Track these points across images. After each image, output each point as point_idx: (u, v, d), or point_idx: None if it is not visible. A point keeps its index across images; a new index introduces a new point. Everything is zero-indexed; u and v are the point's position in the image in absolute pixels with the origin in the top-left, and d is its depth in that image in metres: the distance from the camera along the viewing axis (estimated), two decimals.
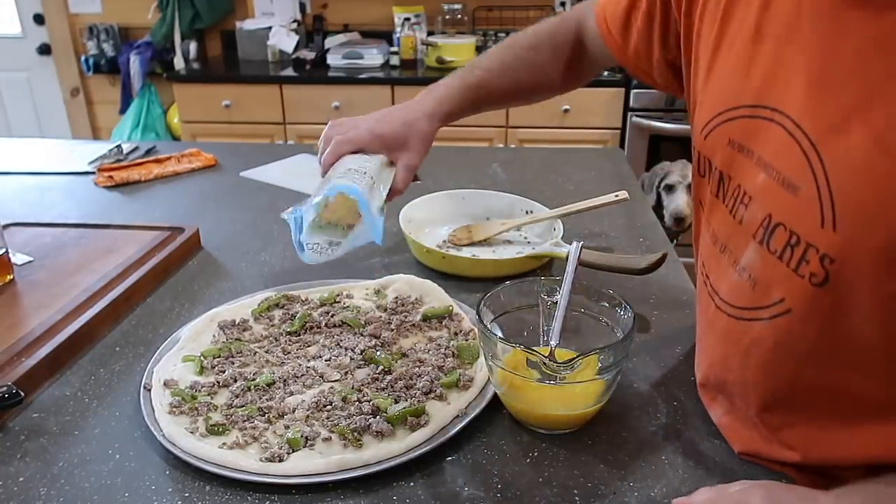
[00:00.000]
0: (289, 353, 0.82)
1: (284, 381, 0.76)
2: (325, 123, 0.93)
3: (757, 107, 0.59)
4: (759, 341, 0.61)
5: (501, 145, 2.97)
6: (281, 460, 0.65)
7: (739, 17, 0.63)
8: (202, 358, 0.80)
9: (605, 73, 2.83)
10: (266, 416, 0.71)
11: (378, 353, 0.80)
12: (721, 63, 0.65)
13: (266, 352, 0.82)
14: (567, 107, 2.89)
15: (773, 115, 0.57)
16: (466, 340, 0.83)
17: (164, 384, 0.76)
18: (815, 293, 0.54)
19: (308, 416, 0.71)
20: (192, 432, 0.69)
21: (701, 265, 0.72)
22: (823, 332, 0.55)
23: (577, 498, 0.63)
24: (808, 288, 0.54)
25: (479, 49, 3.15)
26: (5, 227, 1.09)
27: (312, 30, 3.34)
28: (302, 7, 3.39)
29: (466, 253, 1.09)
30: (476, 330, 0.80)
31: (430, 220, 1.17)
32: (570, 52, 0.96)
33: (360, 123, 0.90)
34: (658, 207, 2.40)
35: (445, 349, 0.81)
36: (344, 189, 0.76)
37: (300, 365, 0.79)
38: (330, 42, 3.24)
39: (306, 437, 0.67)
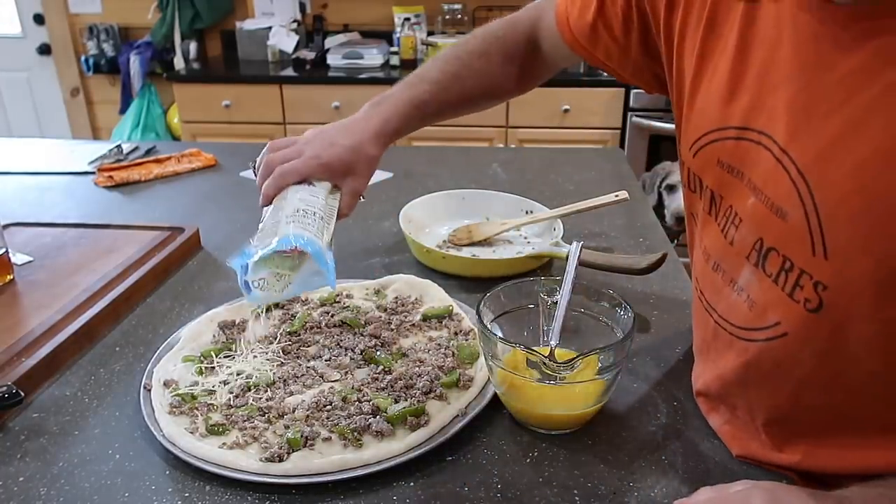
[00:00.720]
0: (289, 353, 0.82)
1: (284, 381, 0.76)
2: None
3: (744, 129, 0.59)
4: (757, 361, 0.61)
5: (501, 145, 2.97)
6: (281, 460, 0.65)
7: (724, 36, 0.62)
8: (202, 358, 0.80)
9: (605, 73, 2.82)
10: (266, 416, 0.71)
11: (378, 353, 0.80)
12: (707, 82, 0.64)
13: (266, 352, 0.82)
14: (567, 107, 2.89)
15: (760, 138, 0.57)
16: (466, 340, 0.83)
17: (164, 384, 0.76)
18: (810, 318, 0.54)
19: (308, 416, 0.70)
20: (191, 432, 0.69)
21: (695, 280, 0.72)
22: (820, 356, 0.55)
23: (577, 498, 0.63)
24: (803, 313, 0.54)
25: None
26: (5, 227, 1.09)
27: (312, 30, 3.33)
28: (302, 7, 3.38)
29: (466, 253, 1.09)
30: (476, 330, 0.80)
31: (430, 220, 1.17)
32: (523, 54, 0.93)
33: (303, 149, 0.82)
34: (659, 207, 2.40)
35: (445, 349, 0.81)
36: (297, 243, 0.70)
37: (300, 365, 0.79)
38: (330, 42, 3.24)
39: (306, 437, 0.67)
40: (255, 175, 0.85)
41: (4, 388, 0.72)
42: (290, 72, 3.11)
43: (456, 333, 0.85)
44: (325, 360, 0.80)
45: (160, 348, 0.83)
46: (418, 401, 0.71)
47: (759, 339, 0.60)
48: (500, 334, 0.73)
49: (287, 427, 0.69)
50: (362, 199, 0.88)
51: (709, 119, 0.63)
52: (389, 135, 0.87)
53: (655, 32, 0.72)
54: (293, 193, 0.79)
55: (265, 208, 0.80)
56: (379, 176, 1.40)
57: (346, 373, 0.78)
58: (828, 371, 0.55)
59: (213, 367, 0.79)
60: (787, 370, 0.58)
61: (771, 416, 0.63)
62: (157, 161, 1.53)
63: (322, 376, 0.77)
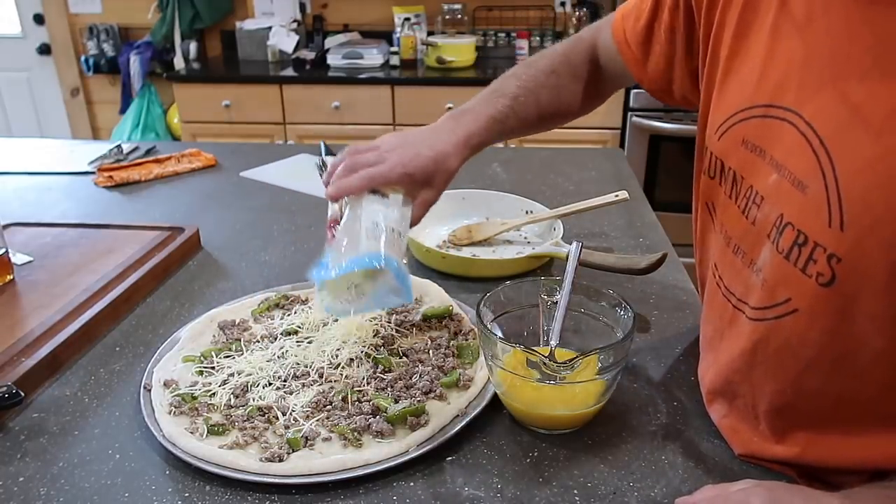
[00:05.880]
0: (289, 353, 0.82)
1: (284, 381, 0.76)
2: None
3: (770, 106, 0.59)
4: (765, 342, 0.61)
5: (501, 145, 2.97)
6: (281, 460, 0.65)
7: (759, 19, 0.62)
8: (202, 358, 0.80)
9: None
10: (266, 416, 0.71)
11: (378, 352, 0.80)
12: (738, 65, 0.65)
13: (266, 352, 0.82)
14: None
15: (785, 114, 0.57)
16: (466, 340, 0.83)
17: (164, 384, 0.76)
18: (822, 293, 0.54)
19: (308, 416, 0.71)
20: (192, 432, 0.69)
21: (713, 267, 0.71)
22: (828, 335, 0.55)
23: (577, 498, 0.63)
24: (815, 288, 0.54)
25: (479, 49, 3.15)
26: (5, 227, 1.09)
27: (312, 30, 3.33)
28: (302, 7, 3.38)
29: (466, 253, 1.09)
30: (476, 330, 0.80)
31: (430, 220, 1.16)
32: (587, 73, 0.94)
33: (387, 156, 0.81)
34: None
35: (445, 349, 0.81)
36: (378, 263, 0.71)
37: (300, 365, 0.79)
38: (330, 42, 3.24)
39: (306, 437, 0.67)
40: (321, 172, 0.85)
41: (4, 388, 0.72)
42: (290, 72, 3.11)
43: (456, 333, 0.85)
44: (325, 360, 0.80)
45: (160, 348, 0.83)
46: (418, 401, 0.71)
47: (769, 318, 0.60)
48: (500, 334, 0.73)
49: (287, 427, 0.69)
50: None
51: (738, 99, 0.64)
52: (472, 149, 0.88)
53: (697, 17, 0.72)
54: (368, 205, 0.78)
55: (336, 209, 0.82)
56: None
57: (346, 373, 0.78)
58: (834, 351, 0.55)
59: (213, 367, 0.79)
60: (794, 351, 0.58)
61: (773, 403, 0.63)
62: (157, 161, 1.53)
63: (322, 376, 0.77)
